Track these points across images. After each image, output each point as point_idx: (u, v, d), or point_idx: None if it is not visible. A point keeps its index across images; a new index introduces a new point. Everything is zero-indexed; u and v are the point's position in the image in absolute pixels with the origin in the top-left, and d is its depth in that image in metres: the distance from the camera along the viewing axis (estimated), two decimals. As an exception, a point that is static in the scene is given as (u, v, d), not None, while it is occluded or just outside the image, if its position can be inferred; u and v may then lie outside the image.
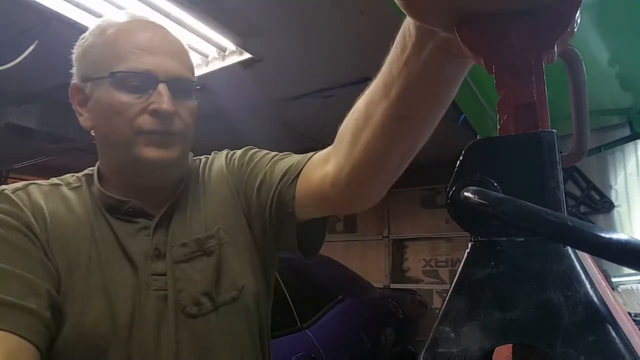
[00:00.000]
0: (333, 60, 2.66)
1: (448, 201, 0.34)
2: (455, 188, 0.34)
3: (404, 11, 0.36)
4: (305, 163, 0.69)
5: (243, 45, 2.52)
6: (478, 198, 0.31)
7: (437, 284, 5.48)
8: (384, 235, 5.91)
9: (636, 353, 0.27)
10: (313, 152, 0.71)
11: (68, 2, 2.02)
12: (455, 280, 0.33)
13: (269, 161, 0.75)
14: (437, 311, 0.34)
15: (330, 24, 2.32)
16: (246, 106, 3.45)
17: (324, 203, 0.67)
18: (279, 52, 2.60)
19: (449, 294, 0.33)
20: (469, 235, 0.34)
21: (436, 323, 0.33)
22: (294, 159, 0.73)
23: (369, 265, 5.76)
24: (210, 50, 2.62)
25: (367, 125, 0.54)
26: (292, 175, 0.69)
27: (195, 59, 2.71)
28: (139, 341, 0.65)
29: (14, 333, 0.54)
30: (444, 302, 0.33)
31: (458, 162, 0.35)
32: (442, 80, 0.47)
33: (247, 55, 2.61)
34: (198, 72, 2.76)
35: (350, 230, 6.14)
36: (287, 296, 2.26)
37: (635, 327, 0.70)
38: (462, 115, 1.69)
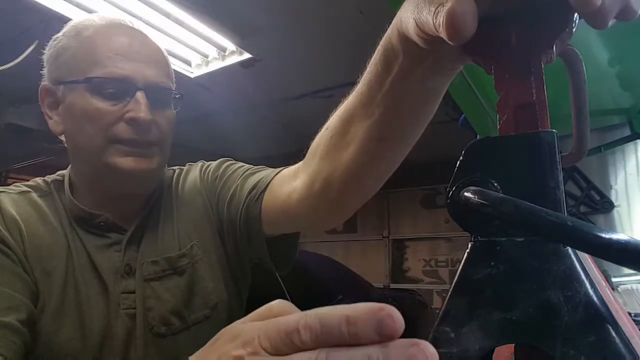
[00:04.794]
0: (333, 60, 2.66)
1: (448, 201, 0.34)
2: (455, 188, 0.34)
3: (412, 29, 0.35)
4: (273, 178, 0.67)
5: (243, 45, 2.52)
6: (478, 198, 0.31)
7: (437, 284, 5.47)
8: (384, 235, 5.91)
9: (636, 353, 0.27)
10: (282, 167, 0.69)
11: (68, 2, 2.02)
12: (455, 280, 0.33)
13: (241, 175, 0.73)
14: (437, 311, 0.34)
15: (330, 24, 2.32)
16: (246, 106, 3.45)
17: (289, 218, 0.65)
18: (279, 52, 2.60)
19: (449, 294, 0.33)
20: (469, 235, 0.34)
21: (436, 323, 0.33)
22: (263, 173, 0.70)
23: (369, 265, 5.76)
24: (210, 50, 2.62)
25: (344, 144, 0.52)
26: (259, 190, 0.67)
27: (195, 59, 2.71)
28: None
29: None
30: (444, 302, 0.33)
31: (458, 162, 0.35)
32: (427, 95, 0.46)
33: (247, 55, 2.61)
34: (198, 72, 2.76)
35: (350, 230, 6.13)
36: (287, 296, 2.26)
37: (635, 327, 0.70)
38: (462, 115, 1.69)
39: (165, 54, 0.72)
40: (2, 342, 0.54)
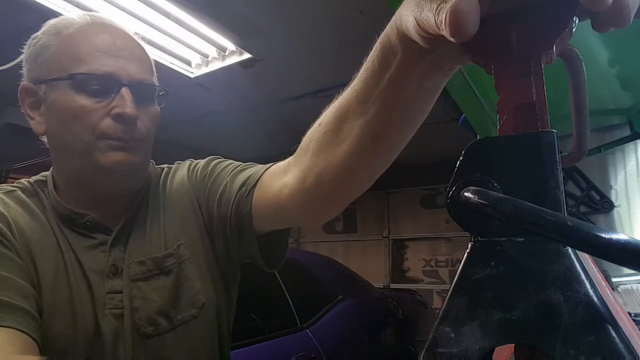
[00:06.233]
0: (333, 60, 2.66)
1: (448, 201, 0.34)
2: (455, 188, 0.34)
3: (412, 27, 0.34)
4: (263, 174, 0.67)
5: (243, 45, 2.52)
6: (478, 198, 0.31)
7: (437, 284, 5.48)
8: (384, 235, 5.91)
9: (636, 353, 0.27)
10: (272, 163, 0.68)
11: (68, 2, 2.02)
12: (455, 280, 0.33)
13: (231, 172, 0.72)
14: (437, 311, 0.34)
15: (330, 24, 2.32)
16: (246, 106, 3.45)
17: (281, 214, 0.65)
18: (279, 52, 2.60)
19: (449, 294, 0.33)
20: (469, 235, 0.34)
21: (436, 323, 0.33)
22: (253, 169, 0.70)
23: (369, 265, 5.76)
24: (210, 50, 2.62)
25: (338, 140, 0.52)
26: (249, 187, 0.66)
27: (195, 59, 2.71)
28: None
29: (21, 331, 0.54)
30: (444, 302, 0.33)
31: (458, 162, 0.35)
32: (424, 94, 0.45)
33: (247, 55, 2.61)
34: (198, 72, 2.76)
35: (350, 230, 6.14)
36: (287, 296, 2.27)
37: (635, 327, 0.70)
38: (462, 115, 1.69)
39: (147, 51, 0.72)
40: (29, 325, 0.55)
